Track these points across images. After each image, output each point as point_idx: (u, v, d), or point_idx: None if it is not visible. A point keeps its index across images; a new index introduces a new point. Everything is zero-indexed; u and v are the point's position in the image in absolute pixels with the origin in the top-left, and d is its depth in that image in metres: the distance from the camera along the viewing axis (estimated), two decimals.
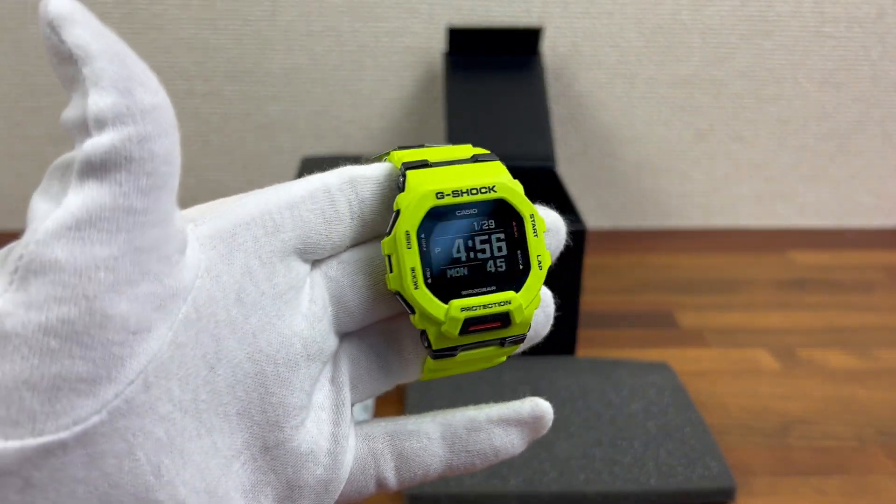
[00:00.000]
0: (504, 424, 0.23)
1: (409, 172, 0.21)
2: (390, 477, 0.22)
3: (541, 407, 0.23)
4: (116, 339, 0.16)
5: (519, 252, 0.21)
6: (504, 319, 0.21)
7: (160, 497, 0.16)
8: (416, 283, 0.20)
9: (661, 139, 0.77)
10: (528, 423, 0.23)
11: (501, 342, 0.22)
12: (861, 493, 0.44)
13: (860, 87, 0.76)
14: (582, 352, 0.58)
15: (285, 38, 0.72)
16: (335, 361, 0.22)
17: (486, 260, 0.21)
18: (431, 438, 0.22)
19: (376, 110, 0.75)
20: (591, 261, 0.69)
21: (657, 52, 0.73)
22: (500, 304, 0.21)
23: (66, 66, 0.16)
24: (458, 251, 0.21)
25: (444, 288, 0.21)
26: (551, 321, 0.23)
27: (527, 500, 0.42)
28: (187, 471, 0.17)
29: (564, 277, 0.53)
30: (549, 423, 0.23)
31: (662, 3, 0.71)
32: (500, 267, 0.21)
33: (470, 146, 0.22)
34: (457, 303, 0.21)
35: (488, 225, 0.21)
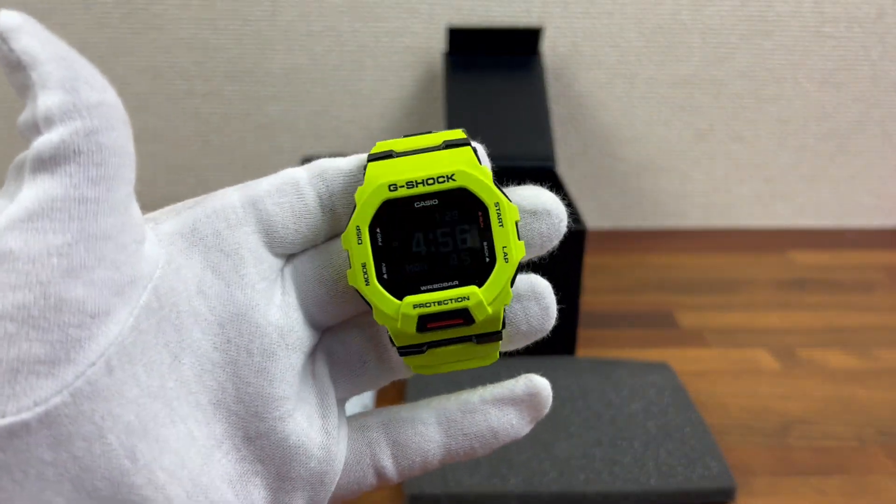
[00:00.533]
0: (499, 404, 0.22)
1: (369, 165, 0.20)
2: (388, 466, 0.22)
3: (535, 383, 0.22)
4: (73, 322, 0.16)
5: (485, 244, 0.20)
6: (465, 316, 0.20)
7: (137, 481, 0.17)
8: (367, 280, 0.20)
9: (661, 139, 0.77)
10: (525, 401, 0.22)
11: (473, 339, 0.21)
12: (861, 493, 0.44)
13: (860, 87, 0.76)
14: (582, 352, 0.58)
15: (285, 39, 0.72)
16: (314, 355, 0.22)
17: (449, 253, 0.20)
18: (427, 424, 0.22)
19: (376, 110, 0.75)
20: (591, 261, 0.69)
21: (657, 52, 0.73)
22: (457, 299, 0.20)
23: (18, 73, 0.17)
24: (418, 245, 0.20)
25: (402, 283, 0.20)
26: (552, 315, 0.22)
27: (527, 500, 0.42)
28: (165, 457, 0.17)
29: (564, 277, 0.53)
30: (548, 400, 0.22)
31: (662, 3, 0.71)
32: (465, 260, 0.20)
33: (457, 132, 0.21)
34: (410, 299, 0.20)
35: (451, 216, 0.20)
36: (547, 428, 0.46)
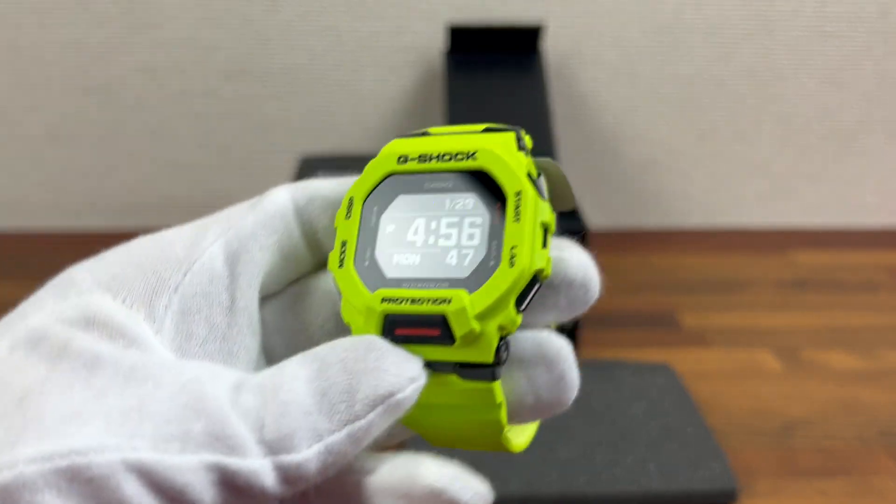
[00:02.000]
0: (393, 497, 0.16)
1: (393, 141, 0.18)
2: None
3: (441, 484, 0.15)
4: None
5: (494, 243, 0.16)
6: (443, 327, 0.15)
7: None
8: (342, 261, 0.16)
9: (662, 138, 0.77)
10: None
11: (458, 369, 0.16)
12: (864, 494, 0.44)
13: (864, 86, 0.75)
14: (583, 352, 0.57)
15: (284, 37, 0.71)
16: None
17: (449, 249, 0.16)
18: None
19: (376, 110, 0.75)
20: None
21: (659, 50, 0.73)
22: (435, 301, 0.15)
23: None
24: (416, 233, 0.16)
25: (384, 275, 0.16)
26: (569, 385, 0.17)
27: (528, 501, 0.41)
28: None
29: None
30: None
31: (665, 2, 0.71)
32: (465, 261, 0.16)
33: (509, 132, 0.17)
34: (383, 291, 0.16)
35: (464, 204, 0.16)
36: (548, 429, 0.46)
